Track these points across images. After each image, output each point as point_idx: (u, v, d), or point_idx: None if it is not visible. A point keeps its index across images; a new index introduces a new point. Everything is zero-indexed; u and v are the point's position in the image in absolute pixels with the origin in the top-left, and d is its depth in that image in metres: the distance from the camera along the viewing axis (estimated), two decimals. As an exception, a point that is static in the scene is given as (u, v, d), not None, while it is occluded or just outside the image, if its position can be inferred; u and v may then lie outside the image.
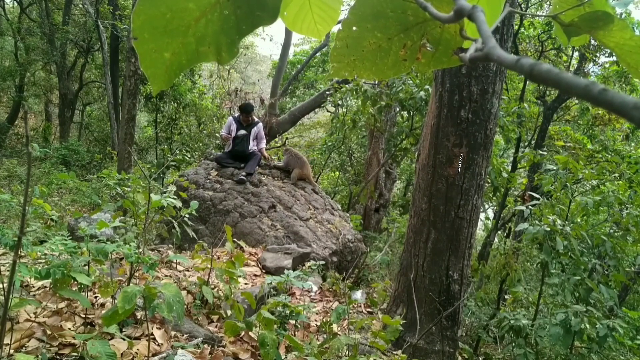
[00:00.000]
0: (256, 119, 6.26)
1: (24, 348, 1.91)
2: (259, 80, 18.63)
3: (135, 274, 2.55)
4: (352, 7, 0.66)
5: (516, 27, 8.05)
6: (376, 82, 6.68)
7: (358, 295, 4.49)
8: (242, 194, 5.52)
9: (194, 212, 2.98)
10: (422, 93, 5.87)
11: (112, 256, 2.59)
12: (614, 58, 9.07)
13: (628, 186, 4.97)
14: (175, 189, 3.17)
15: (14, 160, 11.43)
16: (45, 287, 2.44)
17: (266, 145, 6.57)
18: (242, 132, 5.95)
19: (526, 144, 9.95)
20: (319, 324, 3.27)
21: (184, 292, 2.86)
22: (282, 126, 10.02)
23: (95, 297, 2.52)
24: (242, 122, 6.04)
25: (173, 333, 2.40)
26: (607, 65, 10.15)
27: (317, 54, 13.44)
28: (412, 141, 6.85)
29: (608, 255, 4.05)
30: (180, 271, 3.53)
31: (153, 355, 2.04)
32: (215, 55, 0.64)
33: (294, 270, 3.63)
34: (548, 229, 3.68)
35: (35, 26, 13.62)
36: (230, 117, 6.30)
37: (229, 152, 6.11)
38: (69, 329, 2.12)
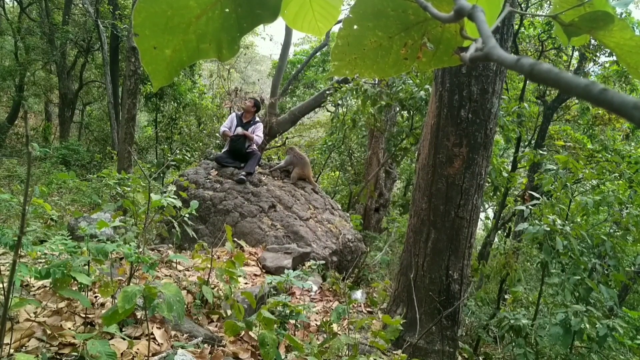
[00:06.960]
0: (257, 119, 6.28)
1: (24, 348, 1.91)
2: (259, 80, 18.65)
3: (135, 273, 2.55)
4: (353, 5, 0.66)
5: (516, 27, 8.05)
6: (376, 81, 6.68)
7: (358, 295, 4.49)
8: (242, 194, 5.52)
9: (194, 212, 2.98)
10: (422, 93, 5.86)
11: (112, 256, 2.59)
12: (614, 58, 9.07)
13: (628, 186, 4.97)
14: (175, 188, 3.17)
15: (14, 160, 11.43)
16: (45, 286, 2.44)
17: (266, 145, 6.60)
18: (239, 129, 5.96)
19: (526, 143, 9.95)
20: (319, 323, 3.27)
21: (184, 292, 2.86)
22: (282, 126, 10.00)
23: (95, 296, 2.52)
24: (243, 119, 6.08)
25: (173, 333, 2.40)
26: (607, 65, 10.15)
27: (317, 54, 13.43)
28: (412, 141, 6.85)
29: (608, 255, 4.05)
30: (180, 271, 3.53)
31: (153, 355, 2.04)
32: (216, 53, 0.64)
33: (294, 270, 3.64)
34: (548, 229, 3.68)
35: (35, 26, 13.61)
36: (233, 114, 6.34)
37: (228, 151, 6.13)
38: (69, 328, 2.12)
